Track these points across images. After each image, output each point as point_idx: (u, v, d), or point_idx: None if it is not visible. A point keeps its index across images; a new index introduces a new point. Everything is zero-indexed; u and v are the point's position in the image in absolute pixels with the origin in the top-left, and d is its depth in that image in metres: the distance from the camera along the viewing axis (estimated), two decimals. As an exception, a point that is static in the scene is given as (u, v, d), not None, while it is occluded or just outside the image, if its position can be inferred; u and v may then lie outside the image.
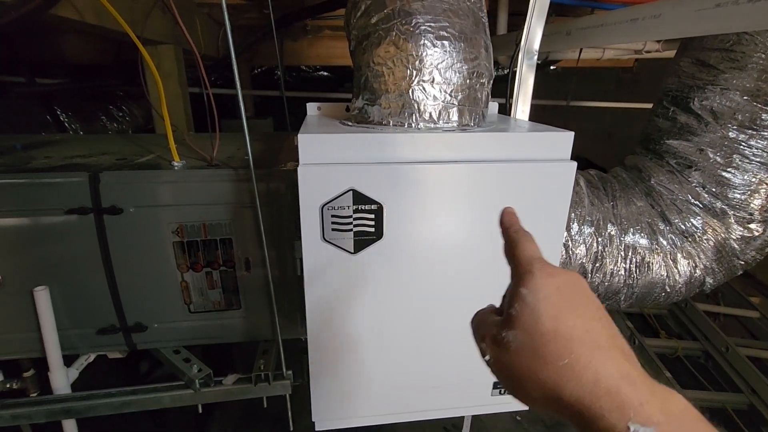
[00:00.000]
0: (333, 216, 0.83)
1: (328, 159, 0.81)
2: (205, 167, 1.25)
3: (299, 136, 0.80)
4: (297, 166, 1.28)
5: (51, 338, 1.23)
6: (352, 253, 0.87)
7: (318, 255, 0.86)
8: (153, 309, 1.30)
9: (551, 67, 4.05)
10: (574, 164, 0.87)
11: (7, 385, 1.38)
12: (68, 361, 1.36)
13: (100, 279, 1.24)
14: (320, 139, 0.80)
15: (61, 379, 1.28)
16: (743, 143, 1.39)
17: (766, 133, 1.37)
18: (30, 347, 1.28)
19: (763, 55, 1.33)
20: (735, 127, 1.40)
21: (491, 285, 0.94)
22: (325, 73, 5.65)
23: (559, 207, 0.89)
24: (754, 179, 1.41)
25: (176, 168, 1.23)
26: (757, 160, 1.39)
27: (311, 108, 1.18)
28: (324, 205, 0.83)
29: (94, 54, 3.38)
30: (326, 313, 0.91)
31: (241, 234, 1.25)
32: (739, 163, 1.41)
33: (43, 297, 1.19)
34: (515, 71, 1.22)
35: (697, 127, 1.48)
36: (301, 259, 0.87)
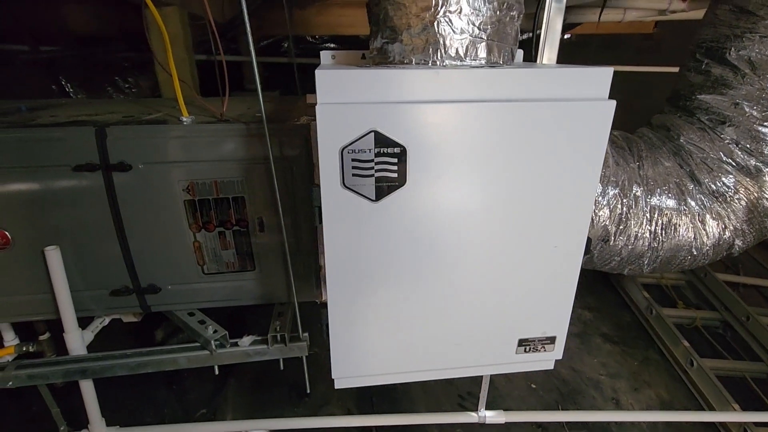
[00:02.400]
0: (353, 160, 0.78)
1: (348, 98, 0.76)
2: (215, 122, 1.20)
3: (317, 71, 0.74)
4: (311, 120, 1.23)
5: (64, 299, 1.21)
6: (373, 200, 0.82)
7: (337, 202, 0.81)
8: (166, 270, 1.27)
9: (566, 36, 3.89)
10: (613, 103, 0.81)
11: (24, 348, 1.38)
12: (83, 324, 1.35)
13: (111, 239, 1.21)
14: (340, 76, 0.75)
15: (77, 341, 1.27)
16: (784, 94, 1.31)
17: (809, 83, 1.28)
18: (44, 309, 1.26)
19: (810, -2, 1.23)
20: (775, 77, 1.31)
21: (520, 232, 0.90)
22: (333, 45, 5.50)
23: (595, 149, 0.83)
24: (794, 133, 1.33)
25: (185, 123, 1.18)
26: (799, 112, 1.30)
27: (325, 56, 1.12)
28: (344, 148, 0.77)
29: (98, 23, 3.31)
30: (346, 265, 0.87)
31: (253, 192, 1.21)
32: (778, 116, 1.33)
33: (54, 257, 1.17)
34: (539, 31, 1.14)
35: (733, 80, 1.40)
36: (319, 208, 0.83)
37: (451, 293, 0.93)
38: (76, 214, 1.18)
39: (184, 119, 1.20)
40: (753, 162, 1.40)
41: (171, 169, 1.17)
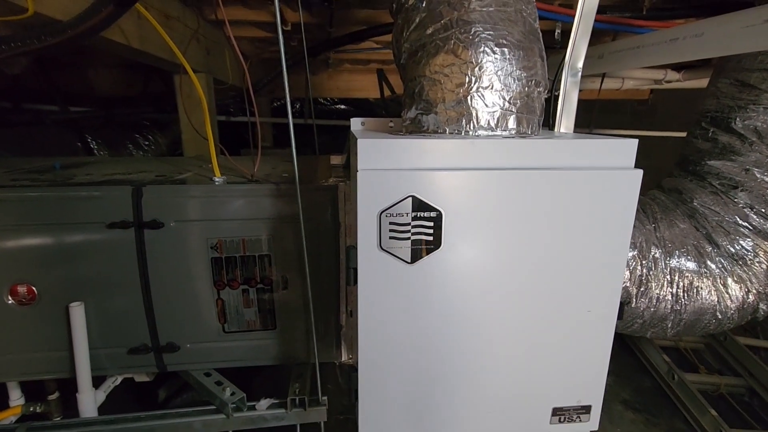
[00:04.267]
0: (391, 223, 0.81)
1: (387, 165, 0.79)
2: (246, 182, 1.24)
3: (359, 140, 0.79)
4: (339, 181, 1.27)
5: (83, 357, 1.19)
6: (408, 262, 0.83)
7: (373, 264, 0.83)
8: (187, 328, 1.26)
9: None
10: (640, 173, 0.84)
11: (31, 408, 1.33)
12: (95, 383, 1.31)
13: (135, 295, 1.21)
14: (381, 144, 0.79)
15: (89, 402, 1.23)
16: (793, 162, 1.36)
17: (817, 152, 1.33)
18: (60, 367, 1.23)
19: (808, 74, 1.32)
20: (783, 145, 1.37)
21: (553, 297, 0.90)
22: (343, 106, 5.78)
23: (625, 215, 0.85)
24: (807, 199, 1.36)
25: (217, 183, 1.23)
26: (809, 179, 1.34)
27: (355, 123, 1.18)
28: (382, 212, 0.80)
29: (124, 86, 3.52)
30: (379, 327, 0.87)
31: (280, 250, 1.23)
32: (790, 182, 1.37)
33: (78, 313, 1.16)
34: (557, 92, 1.22)
35: (741, 147, 1.45)
36: (355, 269, 0.84)
37: (484, 359, 0.91)
38: (104, 270, 1.19)
39: (217, 179, 1.24)
40: (769, 226, 1.42)
41: (201, 227, 1.19)
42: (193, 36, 2.18)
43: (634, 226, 1.53)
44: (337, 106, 6.05)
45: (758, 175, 1.42)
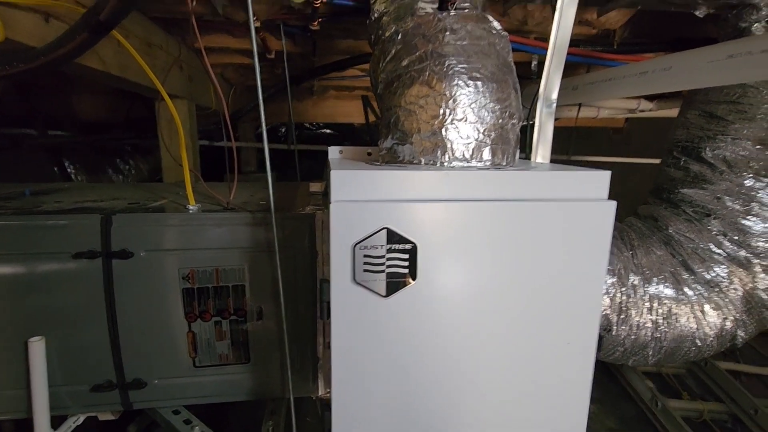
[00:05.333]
0: (365, 256, 0.79)
1: (362, 196, 0.78)
2: (221, 210, 1.21)
3: (333, 172, 0.78)
4: (316, 210, 1.26)
5: (41, 396, 1.12)
6: (383, 296, 0.81)
7: (347, 298, 0.80)
8: (155, 363, 1.20)
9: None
10: (614, 204, 0.85)
11: (-17, 453, 1.24)
12: (55, 422, 1.23)
13: (100, 328, 1.15)
14: (355, 176, 0.78)
15: (46, 444, 1.15)
16: (761, 191, 1.40)
17: (783, 181, 1.37)
18: (15, 407, 1.16)
19: (771, 106, 1.37)
20: (751, 175, 1.41)
21: (531, 329, 0.88)
22: (328, 131, 5.83)
23: (599, 247, 0.85)
24: (776, 227, 1.39)
25: (192, 211, 1.20)
26: (778, 207, 1.38)
27: (333, 151, 1.17)
28: (356, 244, 0.78)
29: (106, 111, 3.49)
30: (354, 362, 0.84)
31: (255, 280, 1.19)
32: (759, 210, 1.40)
33: (38, 349, 1.10)
34: (533, 121, 1.24)
35: (712, 176, 1.49)
36: (328, 303, 0.81)
37: (462, 393, 0.88)
38: (67, 302, 1.14)
39: (191, 207, 1.22)
40: (743, 253, 1.44)
41: (173, 257, 1.16)
42: (175, 63, 2.18)
43: (612, 253, 1.55)
44: (323, 131, 6.10)
45: (729, 204, 1.45)
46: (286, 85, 2.47)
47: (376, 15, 1.18)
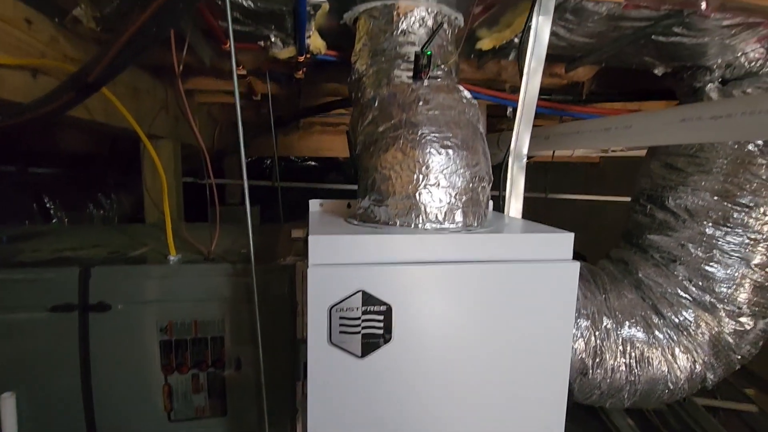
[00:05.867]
0: (341, 318, 0.81)
1: (338, 259, 0.82)
2: (202, 261, 1.23)
3: (310, 237, 0.81)
4: (297, 260, 1.28)
5: (7, 456, 1.08)
6: (359, 357, 0.83)
7: (323, 359, 0.82)
8: (129, 417, 1.18)
9: (524, 160, 4.36)
10: (577, 264, 0.90)
11: None
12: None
13: (73, 383, 1.14)
14: (331, 240, 0.82)
15: None
16: (720, 239, 1.47)
17: (739, 230, 1.45)
18: (-22, 468, 1.11)
19: (725, 161, 1.47)
20: (710, 224, 1.49)
21: (505, 387, 0.91)
22: (313, 163, 5.92)
23: (565, 306, 0.90)
24: (736, 273, 1.46)
25: (172, 262, 1.21)
26: (736, 255, 1.46)
27: (314, 204, 1.21)
28: (332, 307, 0.81)
29: (89, 145, 3.48)
30: (330, 423, 0.85)
31: (234, 332, 1.20)
32: (720, 258, 1.48)
33: (8, 405, 1.07)
34: (506, 174, 1.30)
35: (675, 224, 1.57)
36: (305, 364, 0.83)
37: (437, 452, 0.90)
38: (40, 355, 1.12)
39: (172, 258, 1.23)
40: (708, 298, 1.51)
41: (151, 309, 1.16)
42: (162, 106, 2.23)
43: (586, 297, 1.60)
44: (308, 163, 6.17)
45: (693, 251, 1.52)
46: (274, 123, 2.53)
47: (356, 75, 1.25)
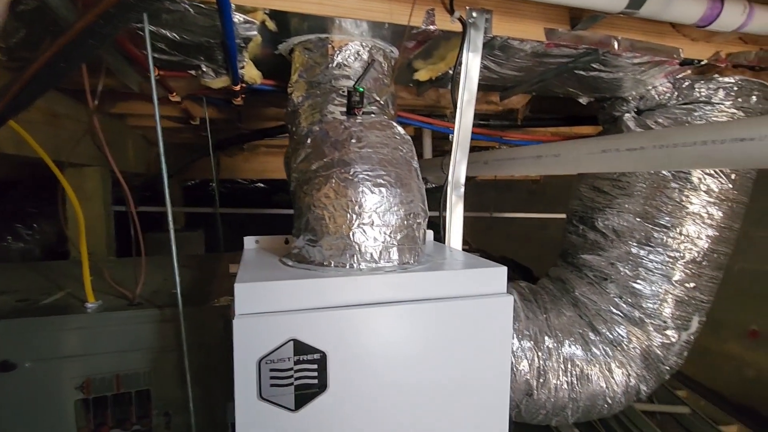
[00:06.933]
0: (272, 370, 0.77)
1: (267, 308, 0.77)
2: (125, 307, 1.13)
3: (236, 285, 0.76)
4: (231, 300, 1.21)
5: None
6: (293, 410, 0.78)
7: (253, 417, 0.77)
8: (37, 491, 1.04)
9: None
10: (511, 298, 0.91)
11: None
12: None
13: (-32, 458, 0.99)
14: (258, 288, 0.77)
15: None
16: (645, 258, 1.57)
17: (660, 249, 1.56)
18: None
19: (644, 185, 1.58)
20: (635, 243, 1.59)
21: (445, 425, 0.89)
22: (261, 185, 5.78)
23: (502, 338, 0.90)
24: (660, 290, 1.56)
25: (89, 311, 1.10)
26: (659, 272, 1.56)
27: (249, 242, 1.16)
28: (262, 359, 0.76)
29: (5, 171, 3.18)
30: (263, 486, 0.79)
31: (161, 384, 1.11)
32: (646, 275, 1.58)
33: None
34: (445, 214, 1.32)
35: (605, 244, 1.66)
36: (233, 424, 0.77)
37: (379, 503, 0.86)
38: (-74, 430, 0.97)
39: (89, 306, 1.12)
40: (637, 314, 1.60)
41: (65, 366, 1.04)
42: (87, 131, 2.07)
43: (529, 318, 1.64)
44: (256, 185, 6.02)
45: (621, 269, 1.61)
46: (213, 147, 2.43)
47: (292, 107, 1.23)
